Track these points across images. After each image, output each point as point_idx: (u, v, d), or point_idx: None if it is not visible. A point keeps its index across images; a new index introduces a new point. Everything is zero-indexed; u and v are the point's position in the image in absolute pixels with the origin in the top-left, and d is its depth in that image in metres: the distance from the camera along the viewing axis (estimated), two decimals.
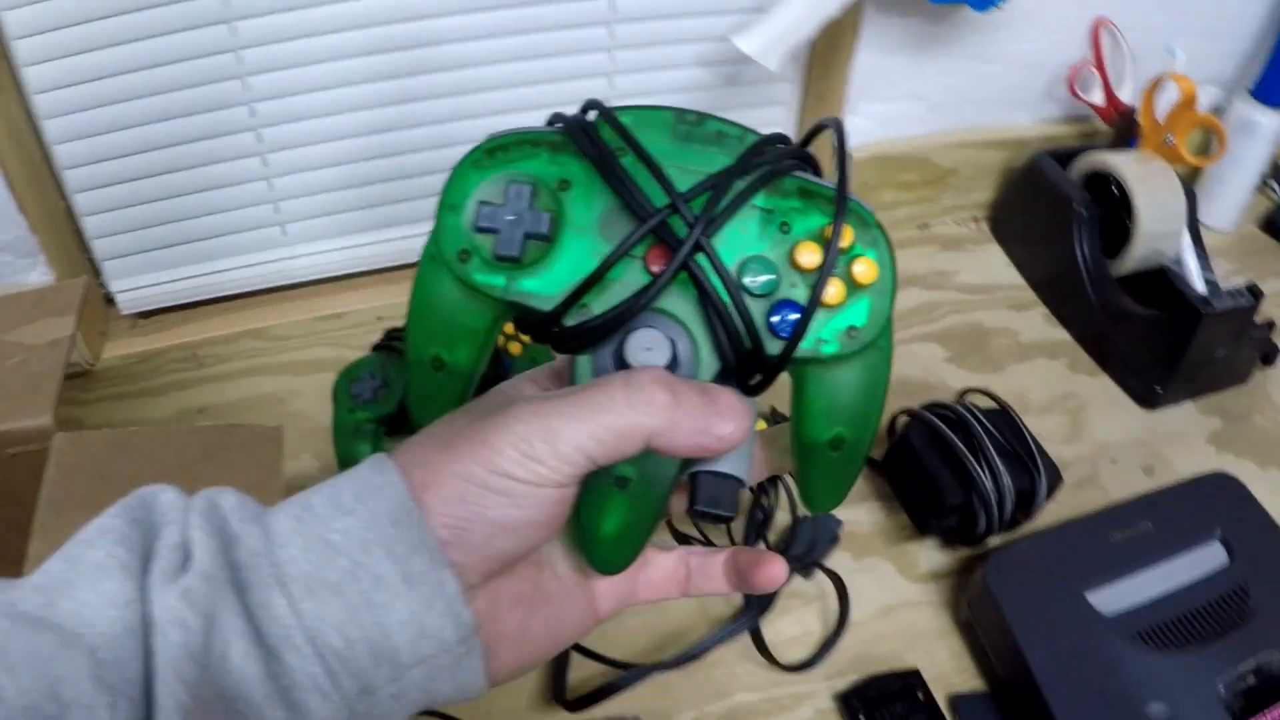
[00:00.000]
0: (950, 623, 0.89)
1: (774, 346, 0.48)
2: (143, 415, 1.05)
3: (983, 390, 0.98)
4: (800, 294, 0.49)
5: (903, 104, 1.21)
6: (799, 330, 0.48)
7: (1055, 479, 0.91)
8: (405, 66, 1.07)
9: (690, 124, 0.51)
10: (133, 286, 1.15)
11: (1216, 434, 1.07)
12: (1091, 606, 0.82)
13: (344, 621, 0.41)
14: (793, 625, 0.88)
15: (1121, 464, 1.03)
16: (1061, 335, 1.17)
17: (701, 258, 0.48)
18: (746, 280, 0.48)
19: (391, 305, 1.14)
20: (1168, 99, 1.12)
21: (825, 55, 1.17)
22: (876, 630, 0.88)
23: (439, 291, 0.51)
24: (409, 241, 1.19)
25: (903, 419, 0.97)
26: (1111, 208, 1.12)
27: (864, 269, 0.49)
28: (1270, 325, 1.09)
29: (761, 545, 0.90)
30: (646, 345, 0.48)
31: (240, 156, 1.09)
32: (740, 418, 0.46)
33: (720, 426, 0.46)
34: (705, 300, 0.48)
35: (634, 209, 0.48)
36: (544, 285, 0.49)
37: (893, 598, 0.91)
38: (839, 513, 0.93)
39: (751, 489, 0.89)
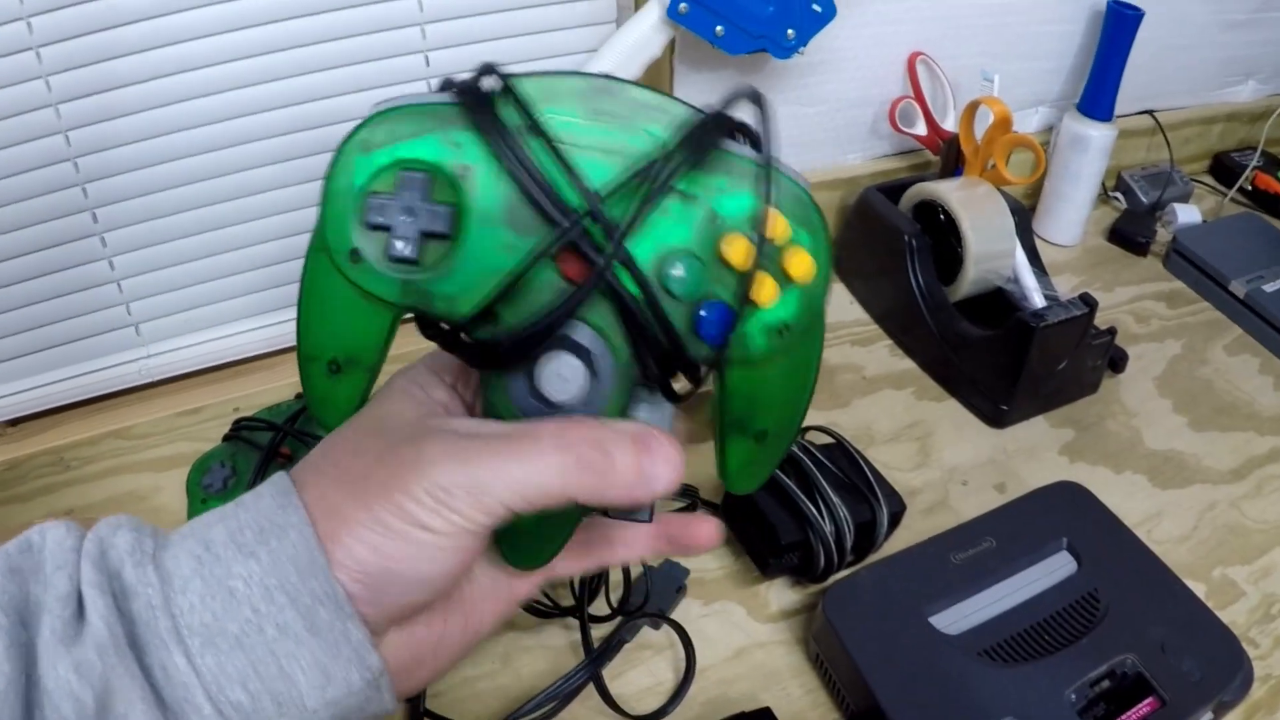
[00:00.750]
0: (802, 659, 0.89)
1: (699, 349, 0.46)
2: (11, 521, 1.05)
3: (819, 427, 0.99)
4: (726, 293, 0.45)
5: None
6: (725, 336, 0.46)
7: (898, 507, 0.92)
8: (245, 159, 1.08)
9: (606, 93, 0.45)
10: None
11: (1069, 445, 1.09)
12: (934, 628, 0.81)
13: (247, 674, 0.40)
14: (644, 676, 0.87)
15: (972, 485, 1.04)
16: (907, 365, 1.18)
17: (620, 267, 0.44)
18: (670, 275, 0.45)
19: (246, 396, 1.14)
20: (986, 124, 1.13)
21: None
22: (729, 673, 0.87)
23: (330, 291, 0.46)
24: (261, 332, 1.19)
25: None
26: (942, 235, 1.14)
27: (798, 263, 0.46)
28: (1112, 331, 1.11)
29: (600, 598, 0.89)
30: (562, 374, 0.45)
31: (87, 261, 1.08)
32: (675, 466, 0.45)
33: (655, 483, 0.45)
34: (624, 312, 0.45)
35: (544, 212, 0.43)
36: (447, 290, 0.45)
37: (744, 639, 0.90)
38: (690, 563, 0.93)
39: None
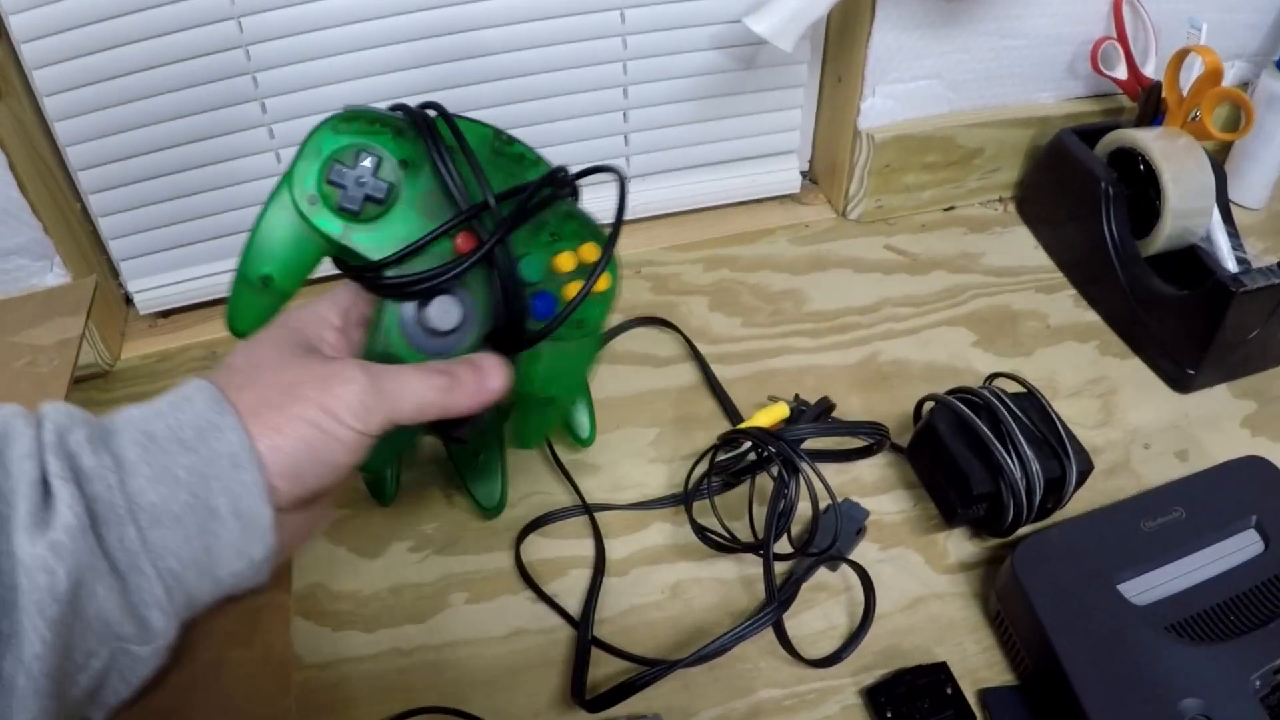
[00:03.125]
0: (979, 615, 0.86)
1: (531, 324, 0.67)
2: None
3: (1010, 375, 0.95)
4: (554, 289, 0.68)
5: (923, 83, 1.18)
6: (555, 320, 0.67)
7: (1086, 466, 0.88)
8: (417, 57, 1.06)
9: (502, 143, 0.68)
10: (151, 286, 1.15)
11: (1250, 417, 1.04)
12: (1123, 596, 0.79)
13: (180, 547, 0.49)
14: (818, 619, 0.86)
15: (1154, 449, 1.00)
16: (1091, 317, 1.14)
17: (500, 250, 0.63)
18: (523, 266, 0.66)
19: None
20: (1193, 73, 1.09)
21: (841, 35, 1.16)
22: (903, 623, 0.86)
23: (282, 224, 0.64)
24: None
25: (928, 405, 0.94)
26: (1139, 186, 1.10)
27: (603, 281, 0.70)
28: None
29: (785, 539, 0.87)
30: (447, 310, 0.64)
31: (254, 153, 1.09)
32: (502, 376, 0.63)
33: (489, 391, 0.62)
34: (495, 281, 0.64)
35: (456, 198, 0.63)
36: (373, 241, 0.63)
37: (920, 589, 0.88)
38: (866, 503, 0.90)
39: (785, 486, 0.86)
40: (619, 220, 0.69)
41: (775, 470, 0.88)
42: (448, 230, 0.63)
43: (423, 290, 0.63)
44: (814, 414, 0.95)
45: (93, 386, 1.09)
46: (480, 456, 0.89)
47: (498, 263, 0.63)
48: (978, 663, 0.83)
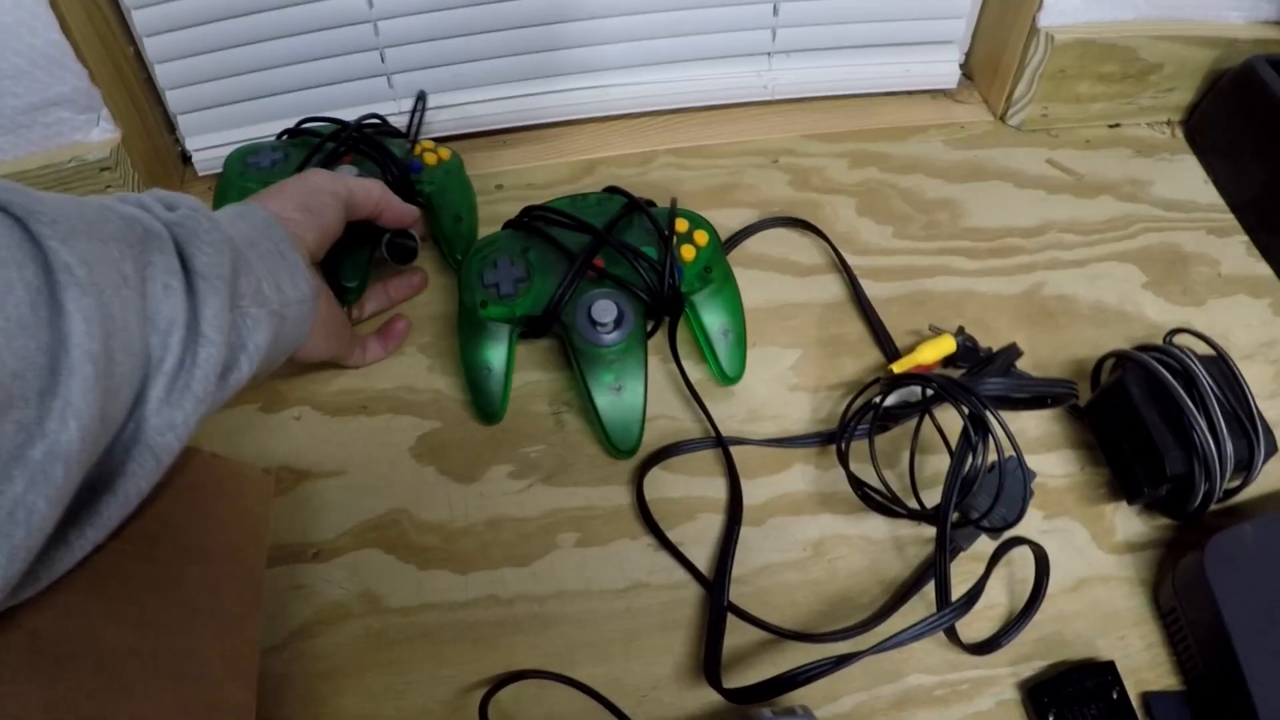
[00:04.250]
0: (1145, 605, 0.78)
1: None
2: None
3: (1194, 332, 0.86)
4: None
5: None
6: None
7: (1274, 448, 0.79)
8: None
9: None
10: (211, 144, 1.10)
11: None
12: None
13: (259, 267, 0.64)
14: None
15: None
16: (1264, 270, 1.04)
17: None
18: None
19: (533, 168, 1.10)
20: None
21: None
22: (1066, 608, 0.78)
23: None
24: (539, 99, 1.13)
25: (1110, 362, 0.86)
26: None
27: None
28: None
29: (956, 511, 0.77)
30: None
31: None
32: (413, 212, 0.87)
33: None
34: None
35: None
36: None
37: (1085, 569, 0.80)
38: (1032, 462, 0.81)
39: (972, 449, 0.76)
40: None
41: (951, 415, 0.78)
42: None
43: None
44: (1002, 363, 0.84)
45: None
46: (621, 390, 0.84)
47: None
48: (1141, 661, 0.76)
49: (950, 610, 0.72)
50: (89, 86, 0.95)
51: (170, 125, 1.08)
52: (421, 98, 1.06)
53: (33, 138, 0.97)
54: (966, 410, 0.76)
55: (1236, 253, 1.05)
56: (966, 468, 0.75)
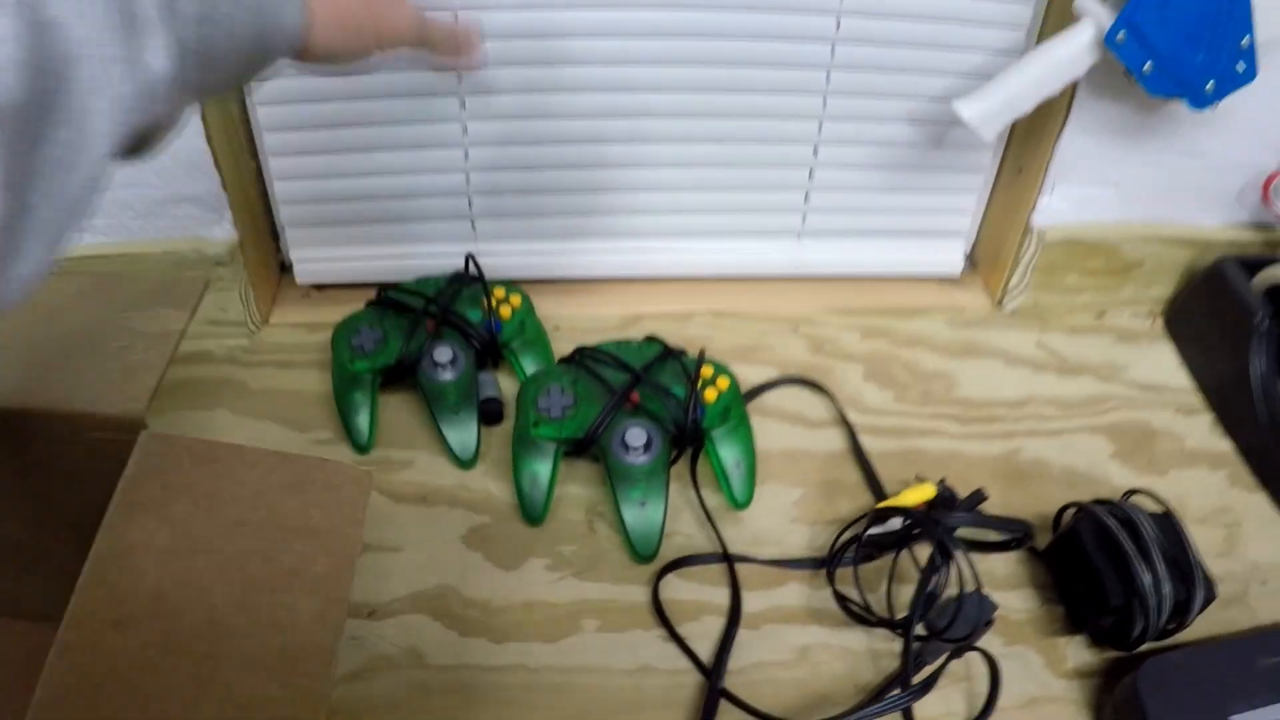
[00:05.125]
0: None
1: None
2: (303, 386, 1.11)
3: (1149, 492, 0.97)
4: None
5: (1099, 189, 1.20)
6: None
7: (1211, 594, 0.90)
8: (627, 81, 1.11)
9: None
10: (310, 258, 1.20)
11: None
12: None
13: None
14: (937, 704, 0.88)
15: (1271, 586, 1.01)
16: (1225, 446, 1.15)
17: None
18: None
19: (587, 315, 1.20)
20: None
21: (1030, 131, 1.18)
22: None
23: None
24: (598, 257, 1.26)
25: (1070, 512, 0.97)
26: None
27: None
28: None
29: (921, 626, 0.89)
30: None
31: (443, 145, 1.13)
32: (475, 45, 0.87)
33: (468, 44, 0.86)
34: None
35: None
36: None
37: (1037, 690, 0.90)
38: (998, 598, 0.91)
39: (936, 570, 0.89)
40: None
41: (928, 552, 0.91)
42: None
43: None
44: (969, 503, 0.97)
45: (238, 348, 1.15)
46: (646, 505, 0.97)
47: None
48: None
49: (907, 695, 0.84)
50: (219, 191, 1.06)
51: (275, 235, 1.20)
52: (470, 258, 1.13)
53: (161, 225, 1.08)
54: (934, 539, 0.89)
55: (1201, 430, 1.16)
56: (931, 585, 0.88)
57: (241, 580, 0.63)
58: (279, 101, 1.07)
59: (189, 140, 1.01)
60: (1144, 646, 0.90)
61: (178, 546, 0.63)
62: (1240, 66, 1.02)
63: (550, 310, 1.19)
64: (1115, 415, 1.17)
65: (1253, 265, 1.17)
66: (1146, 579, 0.87)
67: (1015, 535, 0.97)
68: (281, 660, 0.60)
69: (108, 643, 0.58)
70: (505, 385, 1.11)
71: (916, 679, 0.86)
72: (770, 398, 1.15)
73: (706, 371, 1.05)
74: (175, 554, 0.62)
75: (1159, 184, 1.20)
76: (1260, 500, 1.10)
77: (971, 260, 1.35)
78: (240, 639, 0.60)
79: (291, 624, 0.61)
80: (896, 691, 0.85)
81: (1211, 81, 1.02)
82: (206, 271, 1.10)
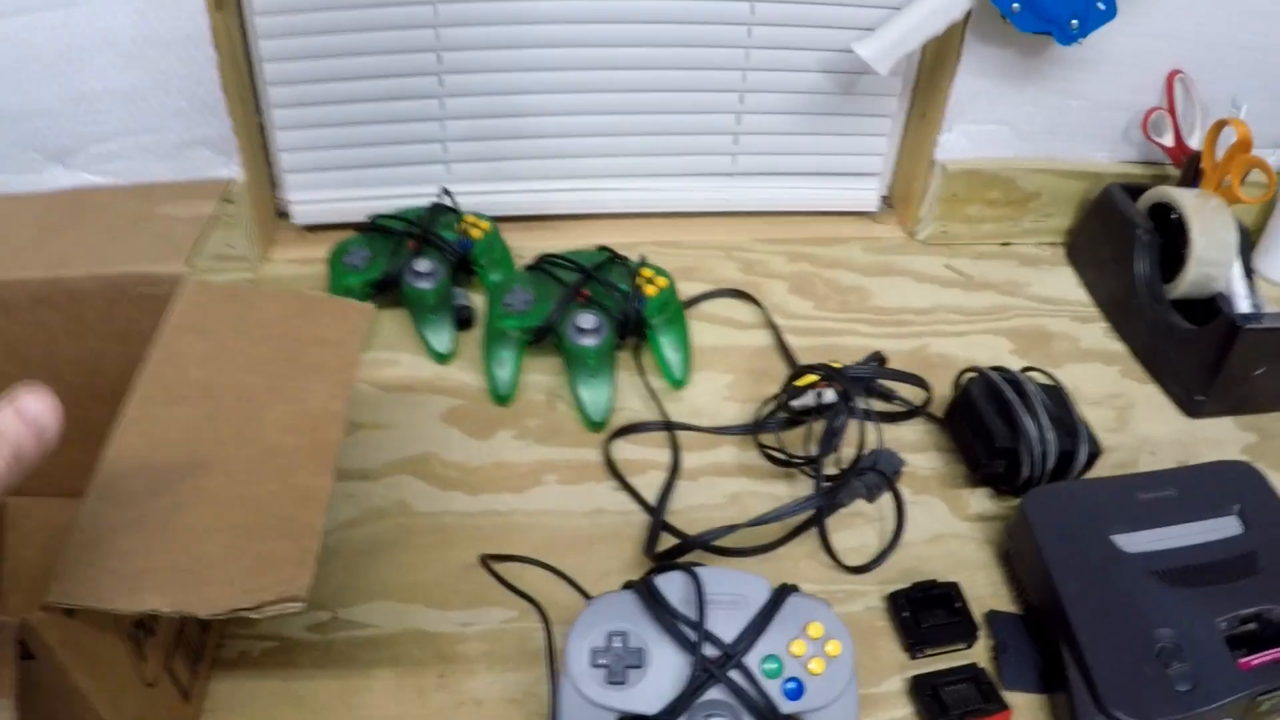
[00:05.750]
0: (991, 557, 0.99)
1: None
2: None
3: (1039, 369, 1.09)
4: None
5: (993, 127, 1.33)
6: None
7: (1095, 450, 1.02)
8: (575, 38, 1.25)
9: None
10: (305, 200, 1.32)
11: (1250, 447, 1.16)
12: (1114, 544, 0.91)
13: None
14: (853, 538, 0.99)
15: (1159, 456, 1.13)
16: (1118, 347, 1.28)
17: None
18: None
19: (547, 246, 1.27)
20: (1228, 143, 1.23)
21: (929, 76, 1.32)
22: (925, 552, 0.99)
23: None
24: (554, 195, 1.39)
25: (967, 375, 1.09)
26: (1171, 237, 1.24)
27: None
28: None
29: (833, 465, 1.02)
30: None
31: (422, 96, 1.26)
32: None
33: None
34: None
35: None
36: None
37: (941, 528, 1.02)
38: (904, 458, 1.03)
39: (841, 413, 1.03)
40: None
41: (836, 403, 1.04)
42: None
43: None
44: (870, 359, 1.11)
45: (242, 280, 1.26)
46: (597, 378, 1.09)
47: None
48: (985, 592, 0.96)
49: (813, 497, 0.96)
50: (230, 135, 1.16)
51: (273, 183, 1.30)
52: (445, 190, 1.28)
53: (177, 166, 1.17)
54: (840, 387, 1.03)
55: (1095, 334, 1.29)
56: (836, 423, 1.01)
57: (268, 372, 0.76)
58: (284, 59, 1.19)
59: (206, 87, 1.12)
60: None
61: (216, 352, 0.76)
62: (1100, 5, 1.16)
63: (513, 243, 1.29)
64: (1016, 321, 1.30)
65: (1137, 192, 1.31)
66: (1029, 424, 0.99)
67: (917, 386, 1.11)
68: (302, 421, 0.73)
69: (164, 415, 0.71)
70: (475, 301, 1.23)
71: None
72: (706, 306, 1.27)
73: (646, 272, 1.17)
74: (214, 357, 0.76)
75: (1049, 122, 1.34)
76: (1149, 390, 1.22)
77: (889, 200, 1.48)
78: (269, 409, 0.73)
79: (308, 398, 0.74)
80: (808, 495, 0.97)
81: (1075, 20, 1.17)
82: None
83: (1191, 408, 1.19)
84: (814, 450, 1.02)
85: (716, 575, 0.80)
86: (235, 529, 0.65)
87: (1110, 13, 1.17)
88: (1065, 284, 1.38)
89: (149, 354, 0.75)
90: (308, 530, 0.65)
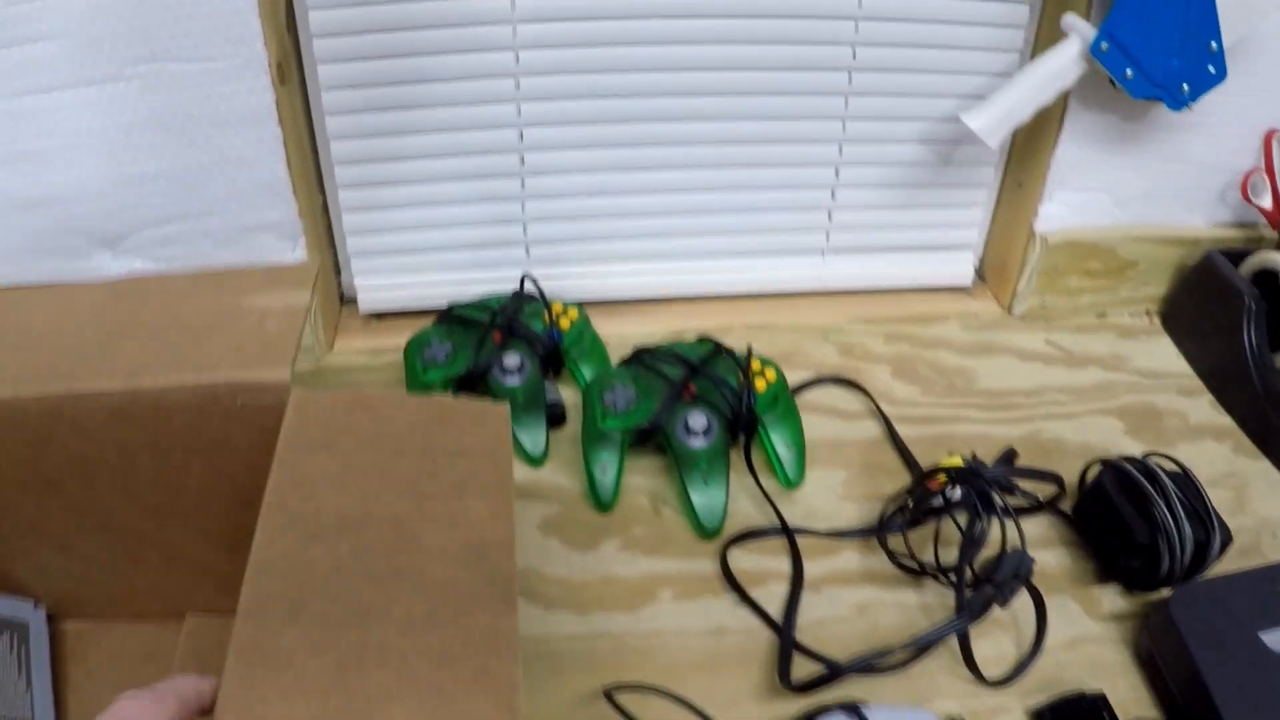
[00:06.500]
0: (1130, 658, 0.95)
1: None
2: None
3: (1164, 454, 1.05)
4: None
5: (1094, 194, 1.29)
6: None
7: (1227, 537, 0.98)
8: (664, 112, 1.21)
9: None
10: (372, 286, 1.27)
11: None
12: (1265, 644, 0.88)
13: None
14: (989, 648, 0.95)
15: None
16: (1226, 421, 1.24)
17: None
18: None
19: (637, 332, 1.28)
20: None
21: (1028, 144, 1.28)
22: (1063, 658, 0.95)
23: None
24: (644, 279, 1.35)
25: (1095, 468, 1.05)
26: (1276, 303, 1.21)
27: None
28: None
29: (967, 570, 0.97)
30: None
31: (501, 175, 1.22)
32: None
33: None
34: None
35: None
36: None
37: (1077, 632, 0.97)
38: (1032, 552, 0.98)
39: (979, 518, 0.99)
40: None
41: (970, 504, 1.00)
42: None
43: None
44: (1002, 459, 1.06)
45: (303, 377, 1.20)
46: (709, 483, 1.04)
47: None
48: (1128, 697, 0.92)
49: (957, 621, 0.92)
50: (295, 219, 1.12)
51: (337, 268, 1.26)
52: (527, 276, 1.21)
53: (237, 251, 1.13)
54: (975, 490, 0.98)
55: (1203, 408, 1.25)
56: (975, 531, 0.97)
57: (415, 494, 0.68)
58: (352, 137, 1.15)
59: (269, 169, 1.08)
60: (1170, 590, 0.97)
61: (348, 474, 0.68)
62: (1211, 69, 1.13)
63: (599, 329, 1.25)
64: (1124, 399, 1.25)
65: (1237, 257, 1.28)
66: (1168, 516, 0.95)
67: (1050, 483, 1.07)
68: (466, 551, 0.65)
69: (301, 556, 0.62)
70: (565, 394, 1.19)
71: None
72: (809, 395, 1.23)
73: (755, 365, 1.12)
74: (347, 480, 0.67)
75: (1147, 187, 1.30)
76: (1265, 466, 1.18)
77: (980, 272, 1.45)
78: (425, 537, 0.65)
79: (469, 522, 0.66)
80: (951, 618, 0.93)
81: (1186, 84, 1.13)
82: None
83: None
84: (943, 553, 1.00)
85: (885, 715, 0.75)
86: (422, 689, 0.57)
87: (1220, 75, 1.14)
88: (1166, 355, 1.34)
89: (271, 481, 0.67)
90: (507, 684, 0.58)
